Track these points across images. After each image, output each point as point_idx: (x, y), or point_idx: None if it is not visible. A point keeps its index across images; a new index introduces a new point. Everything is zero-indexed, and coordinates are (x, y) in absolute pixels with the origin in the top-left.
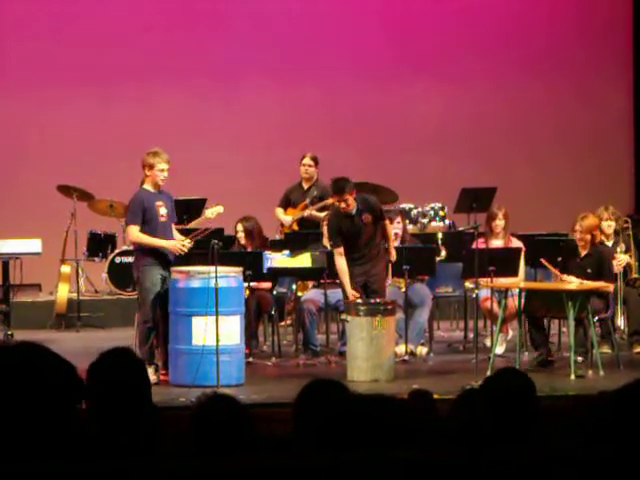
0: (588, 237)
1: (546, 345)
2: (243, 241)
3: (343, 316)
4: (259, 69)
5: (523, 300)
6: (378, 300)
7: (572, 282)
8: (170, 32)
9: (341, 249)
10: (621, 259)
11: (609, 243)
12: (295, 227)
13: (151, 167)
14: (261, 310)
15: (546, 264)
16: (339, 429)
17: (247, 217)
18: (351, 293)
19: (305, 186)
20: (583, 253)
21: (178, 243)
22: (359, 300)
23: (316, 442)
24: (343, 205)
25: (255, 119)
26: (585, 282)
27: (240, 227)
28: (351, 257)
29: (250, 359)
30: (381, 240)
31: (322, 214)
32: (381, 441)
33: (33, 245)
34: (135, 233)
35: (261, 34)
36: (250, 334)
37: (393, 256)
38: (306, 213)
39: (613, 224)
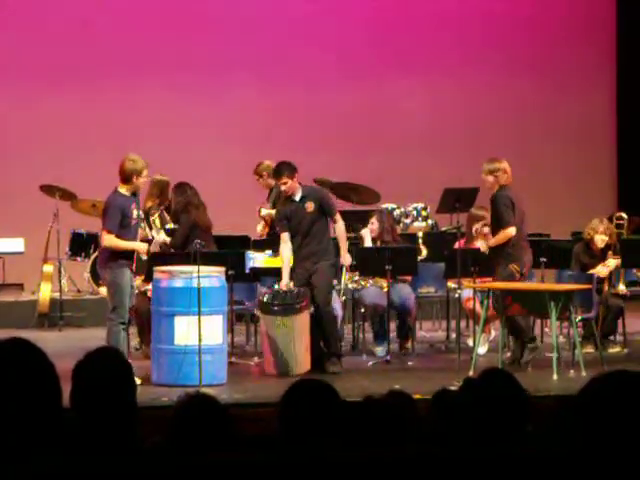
0: (491, 178)
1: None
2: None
3: (256, 310)
4: (242, 66)
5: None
6: (292, 298)
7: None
8: (153, 29)
9: (285, 235)
10: (610, 264)
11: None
12: (264, 235)
13: (139, 174)
14: None
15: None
16: (323, 429)
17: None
18: (284, 283)
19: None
20: (296, 198)
21: (144, 245)
22: (268, 297)
23: (300, 441)
24: (283, 188)
25: (238, 116)
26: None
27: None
28: (294, 245)
29: (233, 359)
30: (328, 237)
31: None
32: (362, 440)
33: (15, 244)
34: (112, 240)
35: (245, 31)
36: None
37: (345, 259)
38: (262, 213)
39: (606, 239)
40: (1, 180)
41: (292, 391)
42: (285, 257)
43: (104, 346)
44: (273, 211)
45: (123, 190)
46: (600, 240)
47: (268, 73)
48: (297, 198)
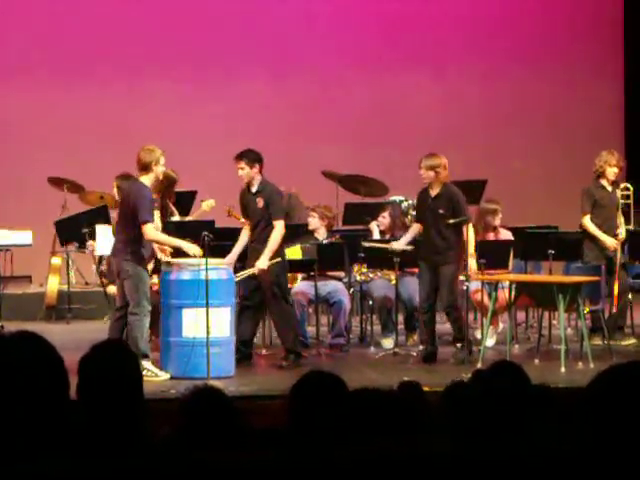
0: (431, 174)
1: None
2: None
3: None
4: (251, 61)
5: (513, 292)
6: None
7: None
8: (160, 24)
9: (246, 221)
10: (621, 235)
11: (609, 188)
12: None
13: (157, 162)
14: None
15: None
16: (333, 421)
17: (123, 175)
18: (226, 260)
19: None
20: (433, 194)
21: (195, 247)
22: None
23: (309, 434)
24: (239, 173)
25: (247, 112)
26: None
27: (115, 184)
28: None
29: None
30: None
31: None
32: (372, 433)
33: (24, 237)
34: (153, 231)
35: (254, 26)
36: None
37: (259, 263)
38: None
39: (617, 171)
40: (9, 173)
41: (301, 383)
42: (239, 239)
43: (111, 339)
44: None
45: (146, 181)
46: (612, 173)
47: (278, 67)
48: (253, 190)
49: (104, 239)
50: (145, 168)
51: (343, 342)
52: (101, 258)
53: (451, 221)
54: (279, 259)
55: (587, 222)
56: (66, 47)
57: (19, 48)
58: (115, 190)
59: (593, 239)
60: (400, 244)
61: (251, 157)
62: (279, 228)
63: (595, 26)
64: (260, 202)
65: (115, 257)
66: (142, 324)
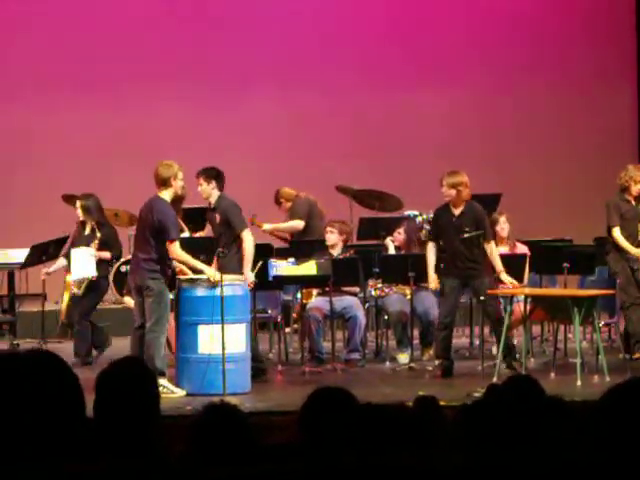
0: (453, 192)
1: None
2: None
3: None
4: (264, 76)
5: (529, 306)
6: None
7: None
8: (174, 39)
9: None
10: None
11: (633, 203)
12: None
13: (175, 177)
14: None
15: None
16: (345, 437)
17: (86, 194)
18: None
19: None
20: (456, 212)
21: (217, 275)
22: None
23: (321, 450)
24: (198, 189)
25: (259, 126)
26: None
27: (78, 204)
28: None
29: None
30: (235, 253)
31: (292, 224)
32: (387, 448)
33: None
34: (179, 250)
35: (266, 40)
36: None
37: (247, 277)
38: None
39: None
40: (23, 189)
41: (312, 398)
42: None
43: (128, 355)
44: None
45: (166, 197)
46: (637, 190)
47: (289, 81)
48: (212, 206)
49: (79, 263)
50: (164, 183)
51: (359, 357)
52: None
53: (466, 235)
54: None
55: (617, 234)
56: (80, 65)
57: (33, 66)
58: (79, 211)
59: (619, 250)
60: (433, 279)
61: (208, 174)
62: (247, 238)
63: (608, 37)
64: (217, 217)
65: (136, 274)
66: (160, 342)
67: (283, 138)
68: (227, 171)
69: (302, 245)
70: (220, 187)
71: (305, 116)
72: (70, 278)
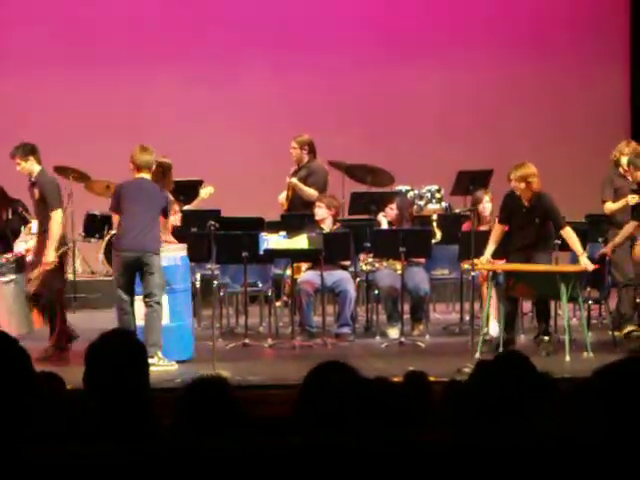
0: (522, 185)
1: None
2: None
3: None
4: (258, 51)
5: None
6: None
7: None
8: (168, 13)
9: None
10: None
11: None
12: (284, 206)
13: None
14: None
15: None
16: (344, 411)
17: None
18: None
19: (294, 168)
20: (527, 204)
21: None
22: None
23: (317, 423)
24: (17, 168)
25: (254, 101)
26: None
27: None
28: None
29: (246, 340)
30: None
31: (311, 191)
32: (378, 422)
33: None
34: None
35: (260, 16)
36: None
37: (47, 257)
38: (288, 180)
39: None
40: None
41: (316, 372)
42: None
43: (118, 327)
44: (307, 189)
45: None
46: (624, 163)
47: (283, 58)
48: (32, 180)
49: None
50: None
51: (349, 331)
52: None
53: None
54: (66, 248)
55: (612, 205)
56: (74, 37)
57: (29, 42)
58: None
59: (621, 225)
60: (487, 259)
61: (24, 151)
62: (55, 218)
63: (602, 18)
64: (36, 193)
65: (143, 250)
66: (157, 316)
67: (276, 114)
68: (220, 148)
69: (292, 219)
70: (38, 161)
71: (298, 91)
72: None
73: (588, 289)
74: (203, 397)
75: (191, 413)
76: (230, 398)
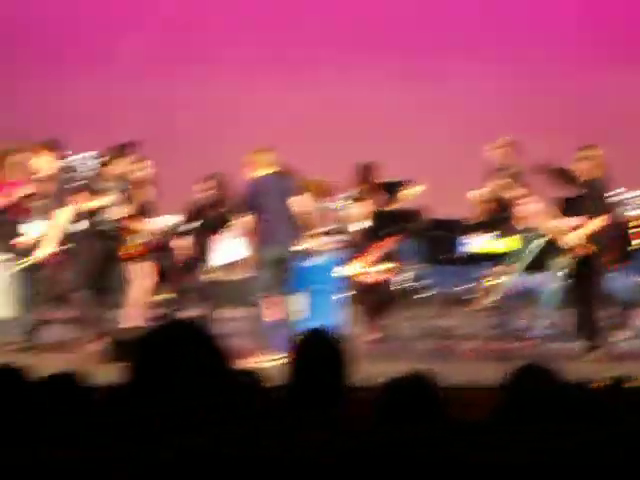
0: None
1: None
2: None
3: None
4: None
5: None
6: None
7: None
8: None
9: None
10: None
11: None
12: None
13: None
14: None
15: None
16: (547, 413)
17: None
18: None
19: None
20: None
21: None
22: None
23: (515, 427)
24: None
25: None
26: None
27: None
28: None
29: (445, 341)
30: None
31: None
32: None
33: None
34: None
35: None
36: None
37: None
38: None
39: None
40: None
41: (520, 374)
42: None
43: (318, 327)
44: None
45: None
46: None
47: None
48: None
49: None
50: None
51: (549, 334)
52: None
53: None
54: None
55: None
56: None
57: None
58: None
59: None
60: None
61: None
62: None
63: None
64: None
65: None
66: None
67: (481, 115)
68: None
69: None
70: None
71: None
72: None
73: None
74: (404, 395)
75: (392, 412)
76: (433, 397)
